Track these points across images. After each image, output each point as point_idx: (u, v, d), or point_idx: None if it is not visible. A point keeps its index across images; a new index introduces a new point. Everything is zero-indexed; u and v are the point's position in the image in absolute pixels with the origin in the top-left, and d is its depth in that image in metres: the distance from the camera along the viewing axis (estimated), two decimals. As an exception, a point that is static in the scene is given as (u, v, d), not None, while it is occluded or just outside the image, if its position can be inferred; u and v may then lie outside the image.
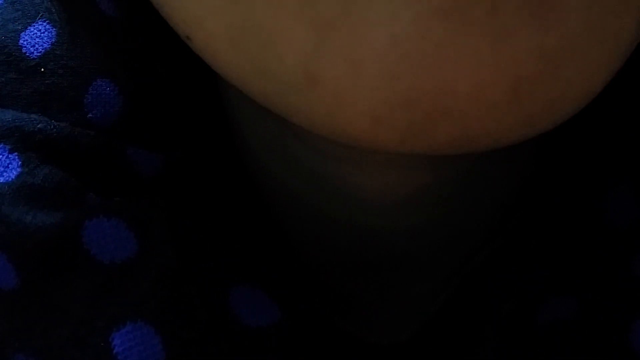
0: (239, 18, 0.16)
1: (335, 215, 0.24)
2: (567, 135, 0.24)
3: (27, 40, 0.23)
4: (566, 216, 0.23)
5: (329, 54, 0.15)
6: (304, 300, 0.23)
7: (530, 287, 0.23)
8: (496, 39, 0.15)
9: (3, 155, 0.21)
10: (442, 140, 0.16)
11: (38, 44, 0.23)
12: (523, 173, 0.25)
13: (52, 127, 0.22)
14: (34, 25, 0.23)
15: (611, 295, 0.21)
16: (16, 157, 0.21)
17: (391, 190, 0.23)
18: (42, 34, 0.23)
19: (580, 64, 0.16)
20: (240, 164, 0.25)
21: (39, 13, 0.23)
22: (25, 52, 0.23)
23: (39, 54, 0.23)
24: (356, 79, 0.15)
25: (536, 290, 0.23)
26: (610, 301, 0.21)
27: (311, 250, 0.25)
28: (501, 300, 0.24)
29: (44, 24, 0.23)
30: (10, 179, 0.21)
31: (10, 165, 0.21)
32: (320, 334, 0.23)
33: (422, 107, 0.15)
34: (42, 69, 0.23)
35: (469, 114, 0.15)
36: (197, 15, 0.17)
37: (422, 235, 0.25)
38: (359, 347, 0.25)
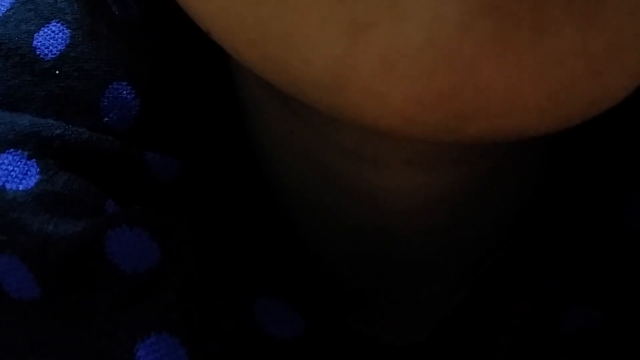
0: (263, 17, 0.16)
1: (353, 217, 0.24)
2: (585, 139, 0.24)
3: (41, 41, 0.22)
4: (583, 222, 0.23)
5: (361, 55, 0.15)
6: (323, 305, 0.23)
7: (549, 293, 0.23)
8: (540, 37, 0.14)
9: (21, 162, 0.21)
10: (472, 134, 0.16)
11: (52, 45, 0.22)
12: (540, 176, 0.25)
13: (70, 132, 0.21)
14: (48, 27, 0.23)
15: (636, 305, 0.22)
16: (34, 163, 0.21)
17: (412, 192, 0.23)
18: (56, 36, 0.22)
19: (622, 65, 0.15)
20: (257, 169, 0.25)
21: (53, 14, 0.23)
22: (40, 54, 0.22)
23: (53, 56, 0.22)
24: (388, 78, 0.15)
25: (556, 297, 0.23)
26: (635, 311, 0.21)
27: (327, 251, 0.25)
28: (515, 302, 0.24)
29: (58, 25, 0.23)
30: (29, 187, 0.20)
31: (29, 172, 0.21)
32: (339, 338, 0.23)
33: (456, 106, 0.15)
34: (57, 72, 0.22)
35: (502, 114, 0.15)
36: (217, 10, 0.17)
37: (439, 237, 0.25)
38: (375, 349, 0.25)
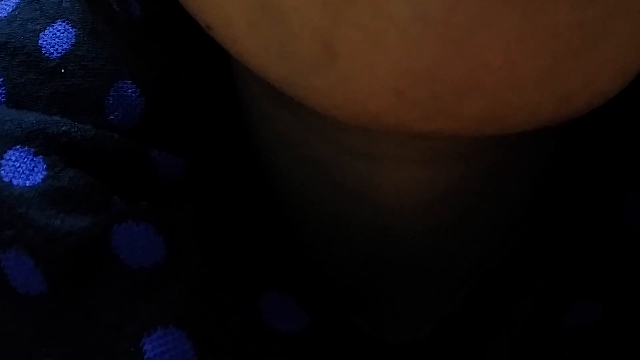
0: None
1: (354, 217, 0.24)
2: (587, 137, 0.24)
3: (46, 40, 0.23)
4: (586, 220, 0.24)
5: (347, 27, 0.14)
6: (326, 301, 0.23)
7: (551, 289, 0.23)
8: (535, 12, 0.14)
9: (28, 159, 0.21)
10: (468, 116, 0.15)
11: (58, 44, 0.23)
12: (541, 174, 0.25)
13: (76, 129, 0.21)
14: (53, 26, 0.23)
15: (637, 301, 0.22)
16: (41, 160, 0.21)
17: (414, 191, 0.23)
18: (61, 35, 0.23)
19: (620, 39, 0.15)
20: (258, 167, 0.25)
21: (58, 13, 0.23)
22: (45, 53, 0.22)
23: (58, 55, 0.22)
24: (376, 51, 0.14)
25: (559, 293, 0.23)
26: (636, 306, 0.22)
27: (329, 251, 0.25)
28: (517, 300, 0.24)
29: (63, 24, 0.23)
30: (36, 183, 0.21)
31: (35, 169, 0.21)
32: (343, 335, 0.23)
33: (447, 80, 0.15)
34: (62, 70, 0.22)
35: (499, 90, 0.15)
36: (216, 1, 0.17)
37: (441, 237, 0.25)
38: (377, 347, 0.25)
